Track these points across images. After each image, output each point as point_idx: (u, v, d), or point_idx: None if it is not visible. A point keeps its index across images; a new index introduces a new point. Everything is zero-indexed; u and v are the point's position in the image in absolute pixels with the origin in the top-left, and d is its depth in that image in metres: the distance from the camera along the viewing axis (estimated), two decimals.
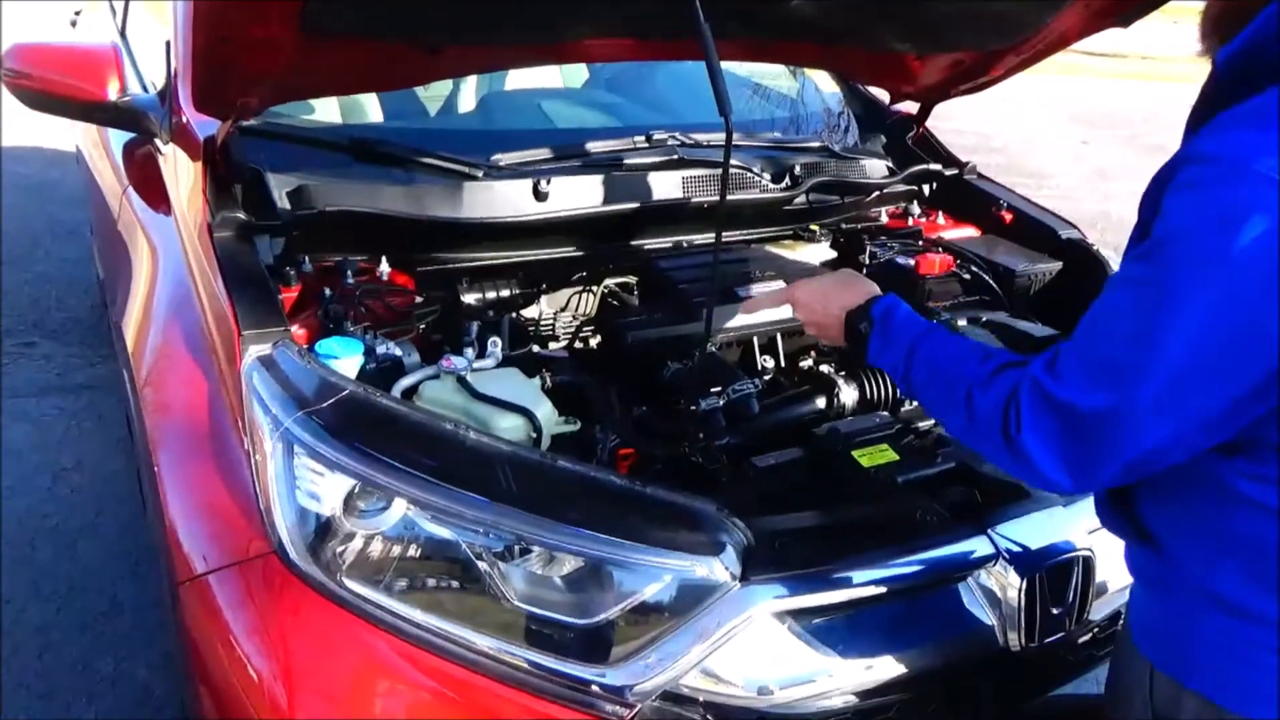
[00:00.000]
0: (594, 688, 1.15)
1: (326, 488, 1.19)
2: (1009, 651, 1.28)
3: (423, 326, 1.65)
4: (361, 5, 1.34)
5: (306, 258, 1.63)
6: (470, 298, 1.63)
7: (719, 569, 1.16)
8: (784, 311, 1.74)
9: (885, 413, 1.57)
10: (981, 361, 1.02)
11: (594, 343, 1.79)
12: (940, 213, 2.24)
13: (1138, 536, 1.01)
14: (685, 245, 1.96)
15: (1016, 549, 1.28)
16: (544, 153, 1.82)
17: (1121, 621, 1.15)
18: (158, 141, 1.94)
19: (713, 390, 1.54)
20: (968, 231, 2.17)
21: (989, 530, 1.29)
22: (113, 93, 1.93)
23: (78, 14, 3.49)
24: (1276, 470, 0.86)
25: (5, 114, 4.16)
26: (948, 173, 2.23)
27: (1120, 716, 1.07)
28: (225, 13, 1.25)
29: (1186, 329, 0.81)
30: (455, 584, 1.19)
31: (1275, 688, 0.88)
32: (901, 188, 2.19)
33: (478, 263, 1.79)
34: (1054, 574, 1.29)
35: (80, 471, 2.69)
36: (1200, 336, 0.80)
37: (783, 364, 1.78)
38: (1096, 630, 1.40)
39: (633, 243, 1.92)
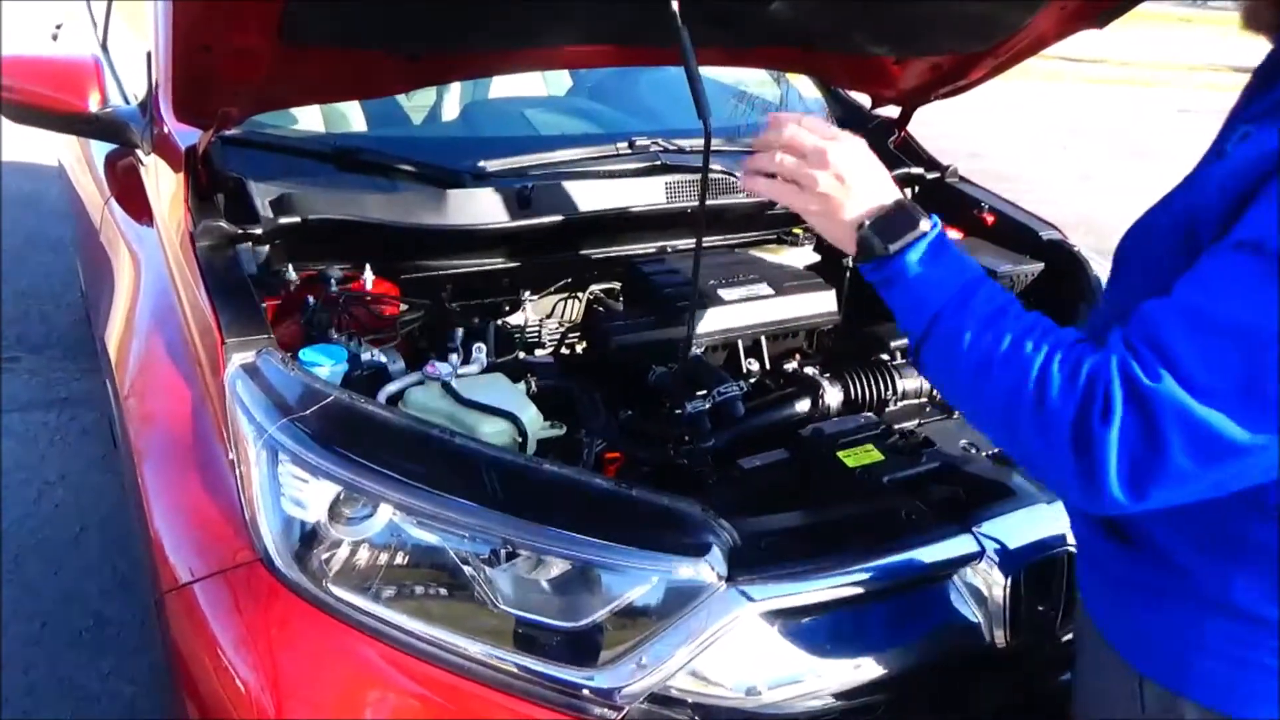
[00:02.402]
0: (584, 691, 1.14)
1: (311, 495, 1.19)
2: (995, 648, 1.28)
3: (407, 334, 1.65)
4: (340, 14, 1.34)
5: (290, 266, 1.63)
6: (455, 305, 1.63)
7: (705, 570, 1.16)
8: (768, 314, 1.76)
9: (870, 413, 1.57)
10: (1056, 328, 0.87)
11: (580, 349, 1.79)
12: None
13: (1123, 541, 0.95)
14: (669, 250, 1.97)
15: (1001, 546, 1.28)
16: (527, 160, 1.83)
17: (1077, 626, 1.12)
18: (139, 153, 1.94)
19: (698, 393, 1.54)
20: (950, 234, 2.17)
21: (974, 528, 1.29)
22: (94, 104, 1.92)
23: (59, 27, 3.49)
24: None
25: None
26: (929, 176, 2.24)
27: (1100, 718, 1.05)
28: (204, 22, 1.25)
29: None
30: (442, 589, 1.19)
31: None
32: None
33: (462, 270, 1.79)
34: (1039, 571, 1.30)
35: (65, 486, 2.67)
36: None
37: (768, 366, 1.79)
38: None
39: (617, 248, 1.93)
